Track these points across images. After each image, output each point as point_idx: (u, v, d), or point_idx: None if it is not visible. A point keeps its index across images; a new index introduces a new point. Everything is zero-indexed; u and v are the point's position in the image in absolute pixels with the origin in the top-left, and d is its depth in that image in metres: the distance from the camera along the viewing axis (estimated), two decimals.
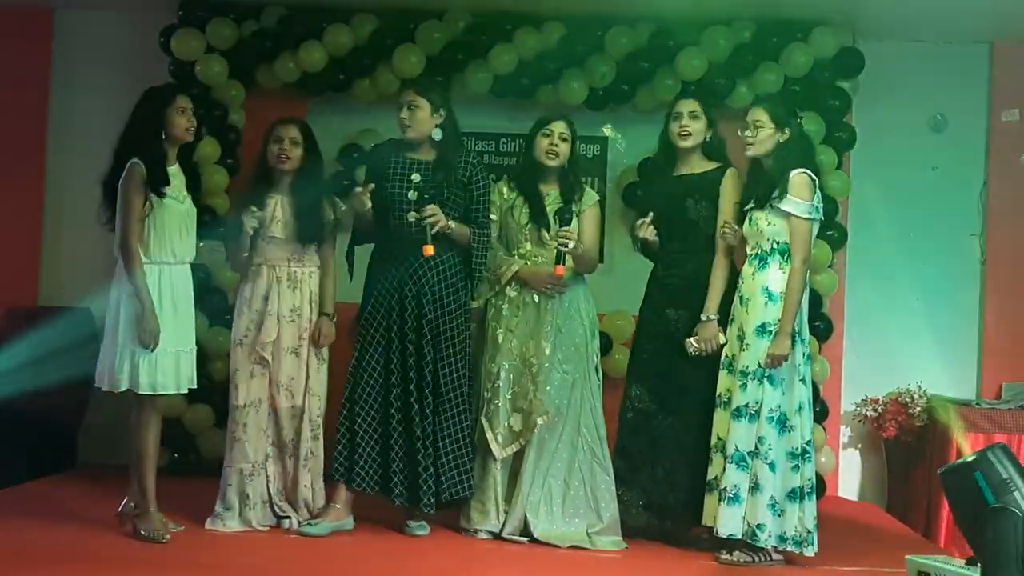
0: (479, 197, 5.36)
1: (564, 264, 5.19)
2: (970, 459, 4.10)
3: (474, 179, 5.35)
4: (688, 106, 5.36)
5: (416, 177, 5.16)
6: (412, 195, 5.14)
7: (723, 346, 5.16)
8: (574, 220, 5.26)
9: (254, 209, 5.19)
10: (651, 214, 5.34)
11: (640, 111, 6.76)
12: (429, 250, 5.12)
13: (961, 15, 6.52)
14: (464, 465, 5.26)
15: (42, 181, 7.03)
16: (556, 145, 5.35)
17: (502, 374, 5.34)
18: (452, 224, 5.20)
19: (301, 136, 5.28)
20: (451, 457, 5.23)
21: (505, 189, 5.49)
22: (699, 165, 5.38)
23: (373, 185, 5.24)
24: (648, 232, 5.32)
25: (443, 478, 5.22)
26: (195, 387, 5.19)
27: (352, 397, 5.27)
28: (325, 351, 5.34)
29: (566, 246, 5.18)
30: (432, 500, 5.22)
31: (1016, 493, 3.90)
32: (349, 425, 5.25)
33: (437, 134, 5.27)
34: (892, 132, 6.90)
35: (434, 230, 5.13)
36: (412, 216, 5.14)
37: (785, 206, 4.96)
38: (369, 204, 5.21)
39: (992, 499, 3.94)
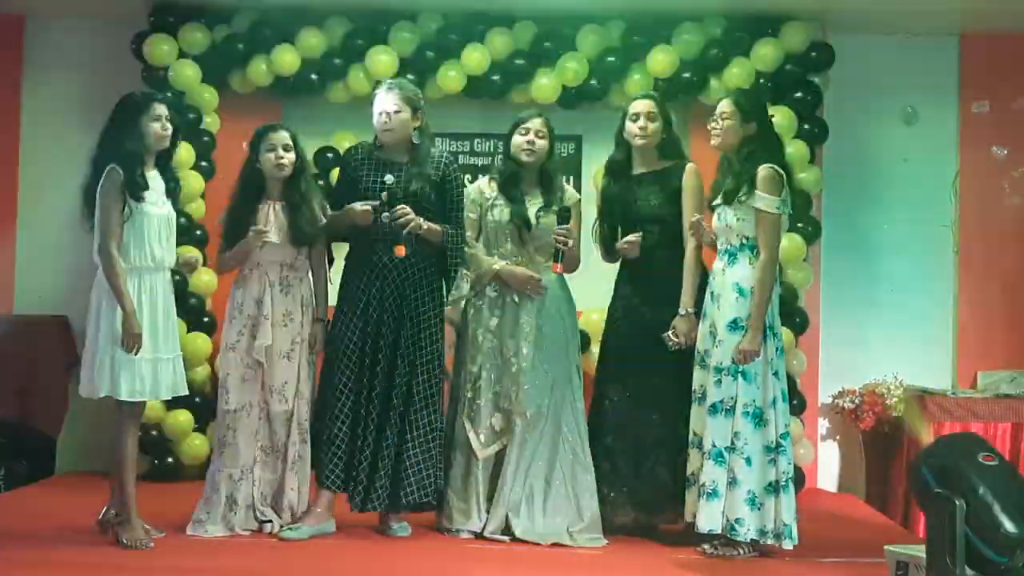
0: (453, 197, 5.37)
1: (561, 262, 5.23)
2: (920, 452, 4.18)
3: (447, 179, 5.36)
4: (644, 106, 5.39)
5: (389, 178, 5.18)
6: (384, 196, 5.16)
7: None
8: (571, 219, 5.30)
9: (263, 229, 5.18)
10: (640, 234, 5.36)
11: (613, 109, 6.77)
12: (401, 251, 5.14)
13: (930, 8, 6.57)
14: (429, 471, 5.27)
15: (15, 188, 6.99)
16: (532, 142, 5.37)
17: (483, 374, 5.36)
18: (424, 224, 5.22)
19: (292, 141, 5.30)
20: (415, 462, 5.25)
21: (486, 189, 5.50)
22: (656, 163, 5.43)
23: (374, 205, 5.19)
24: (635, 249, 5.34)
25: (405, 483, 5.23)
26: (186, 393, 5.20)
27: (327, 400, 5.29)
28: (313, 356, 5.36)
29: (565, 245, 5.21)
30: (386, 500, 5.25)
31: (961, 483, 3.95)
32: (326, 428, 5.27)
33: (416, 136, 5.30)
34: (864, 125, 6.96)
35: (406, 231, 5.15)
36: (385, 217, 5.16)
37: (753, 202, 4.99)
38: (371, 219, 5.20)
39: (935, 486, 3.99)
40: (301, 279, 5.32)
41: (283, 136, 5.28)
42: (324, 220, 5.31)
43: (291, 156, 5.27)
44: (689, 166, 5.38)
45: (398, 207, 5.14)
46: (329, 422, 5.26)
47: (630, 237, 5.36)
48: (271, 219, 5.25)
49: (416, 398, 5.25)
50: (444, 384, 5.41)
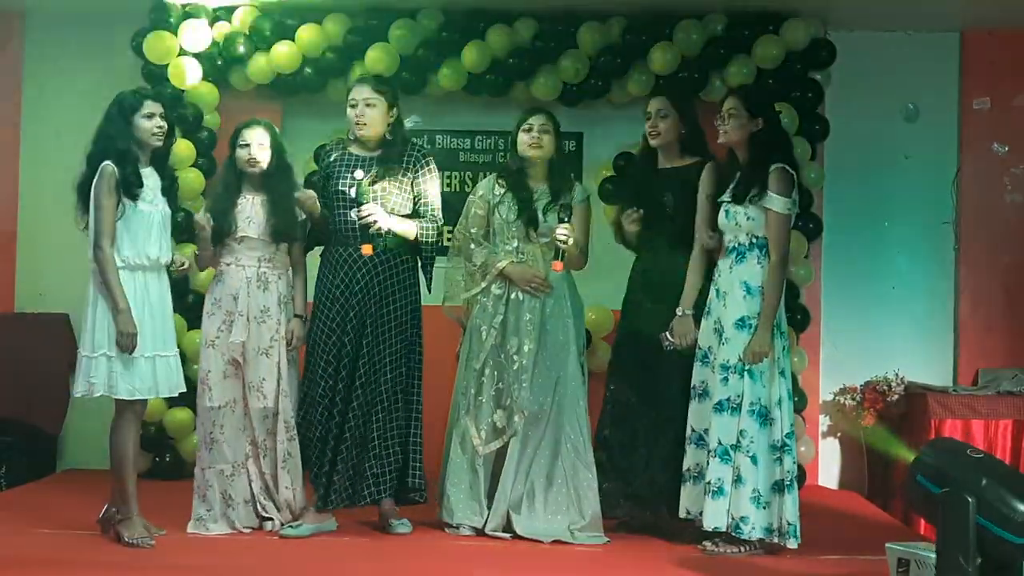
0: (425, 190, 5.35)
1: (563, 260, 5.23)
2: (910, 465, 4.17)
3: (419, 172, 5.34)
4: (655, 104, 5.40)
5: (359, 174, 5.17)
6: (352, 192, 5.16)
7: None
8: (573, 216, 5.30)
9: (205, 214, 5.21)
10: (640, 209, 5.37)
11: (615, 106, 6.80)
12: (367, 250, 5.14)
13: (931, 4, 6.57)
14: (392, 466, 5.25)
15: (16, 186, 6.99)
16: (538, 138, 5.37)
17: (486, 371, 5.36)
18: (394, 222, 5.20)
19: (268, 137, 5.28)
20: (377, 457, 5.21)
21: (495, 186, 5.49)
22: (679, 160, 5.42)
23: (313, 193, 5.26)
24: (633, 225, 5.35)
25: (367, 475, 5.20)
26: (184, 391, 5.18)
27: (305, 398, 5.29)
28: (295, 352, 5.33)
29: (566, 242, 5.21)
30: (345, 497, 5.24)
31: (962, 479, 3.94)
32: (311, 426, 5.26)
33: (389, 132, 5.30)
34: (865, 122, 6.95)
35: (372, 230, 5.14)
36: (353, 214, 5.15)
37: (765, 202, 4.96)
38: (318, 207, 5.23)
39: (938, 490, 3.98)
40: (280, 275, 5.29)
41: (257, 133, 5.26)
42: (303, 217, 5.31)
43: (265, 153, 5.25)
44: (708, 165, 5.34)
45: (364, 206, 5.13)
46: (314, 420, 5.26)
47: (629, 212, 5.38)
48: (250, 213, 5.24)
49: (383, 394, 5.22)
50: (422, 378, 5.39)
